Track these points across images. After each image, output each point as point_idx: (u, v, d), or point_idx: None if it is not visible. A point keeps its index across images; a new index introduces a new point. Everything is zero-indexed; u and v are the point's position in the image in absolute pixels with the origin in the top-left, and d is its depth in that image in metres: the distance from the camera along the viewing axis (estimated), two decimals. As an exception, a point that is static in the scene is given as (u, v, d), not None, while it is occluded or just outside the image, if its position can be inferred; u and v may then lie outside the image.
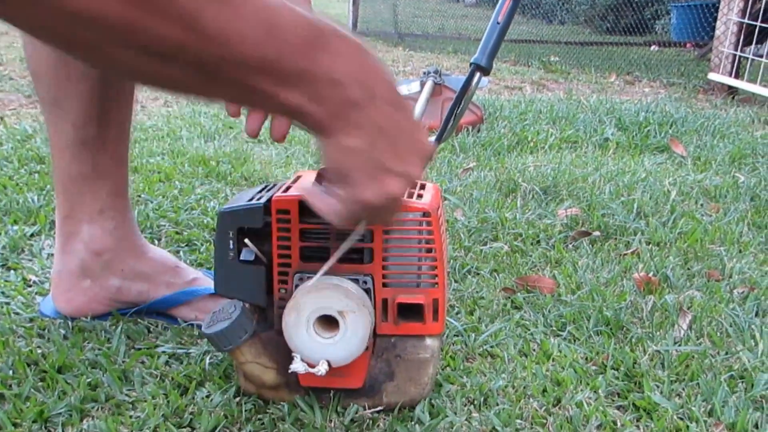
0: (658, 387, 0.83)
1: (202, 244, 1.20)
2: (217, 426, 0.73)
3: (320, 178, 0.67)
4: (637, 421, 0.78)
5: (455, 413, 0.77)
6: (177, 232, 1.24)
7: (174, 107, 2.41)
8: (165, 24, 0.41)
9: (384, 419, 0.76)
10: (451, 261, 1.17)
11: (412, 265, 0.73)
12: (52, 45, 0.44)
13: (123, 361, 0.84)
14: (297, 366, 0.69)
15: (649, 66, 4.05)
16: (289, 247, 0.72)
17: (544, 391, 0.82)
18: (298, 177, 0.80)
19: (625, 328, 0.97)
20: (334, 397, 0.76)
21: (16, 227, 1.21)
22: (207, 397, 0.78)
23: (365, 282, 0.72)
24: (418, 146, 0.57)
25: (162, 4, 0.41)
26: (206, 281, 0.96)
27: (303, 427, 0.74)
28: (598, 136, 2.13)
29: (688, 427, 0.76)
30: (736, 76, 3.11)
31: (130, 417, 0.75)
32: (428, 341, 0.75)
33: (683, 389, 0.83)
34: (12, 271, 1.07)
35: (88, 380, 0.79)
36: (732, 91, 3.12)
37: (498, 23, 0.87)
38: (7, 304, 0.96)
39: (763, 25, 2.99)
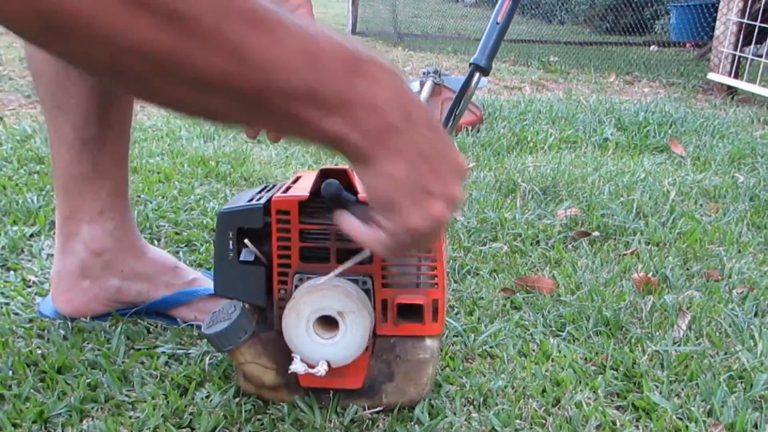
0: (657, 387, 0.83)
1: (201, 245, 1.20)
2: (217, 426, 0.73)
3: (346, 203, 0.63)
4: (637, 421, 0.78)
5: (455, 413, 0.77)
6: (176, 233, 1.24)
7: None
8: (212, 55, 0.41)
9: (383, 419, 0.76)
10: (451, 261, 1.17)
11: (412, 265, 0.73)
12: (97, 76, 0.44)
13: (123, 362, 0.84)
14: (297, 366, 0.69)
15: (649, 66, 4.05)
16: (288, 248, 0.72)
17: (544, 391, 0.82)
18: (298, 177, 0.80)
19: (624, 329, 0.97)
20: (333, 397, 0.76)
21: (15, 228, 1.21)
22: (207, 397, 0.78)
23: (365, 282, 0.72)
24: (455, 165, 0.56)
25: (210, 36, 0.41)
26: (206, 282, 0.96)
27: (302, 427, 0.74)
28: (598, 136, 2.13)
29: (687, 427, 0.76)
30: (736, 76, 3.11)
31: (130, 417, 0.75)
32: (428, 342, 0.75)
33: (682, 389, 0.83)
34: (11, 272, 1.07)
35: (88, 381, 0.79)
36: (731, 91, 3.13)
37: (497, 23, 0.88)
38: (7, 304, 0.96)
39: (763, 25, 3.00)
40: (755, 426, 0.77)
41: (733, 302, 1.05)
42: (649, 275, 1.13)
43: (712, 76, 3.20)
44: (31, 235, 1.20)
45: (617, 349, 0.91)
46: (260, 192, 0.76)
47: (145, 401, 0.77)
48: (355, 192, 0.65)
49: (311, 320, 0.68)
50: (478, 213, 1.39)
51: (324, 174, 0.68)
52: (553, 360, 0.89)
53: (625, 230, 1.33)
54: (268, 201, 0.72)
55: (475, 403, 0.79)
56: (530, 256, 1.21)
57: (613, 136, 2.12)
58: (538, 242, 1.28)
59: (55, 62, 0.82)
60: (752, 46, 3.25)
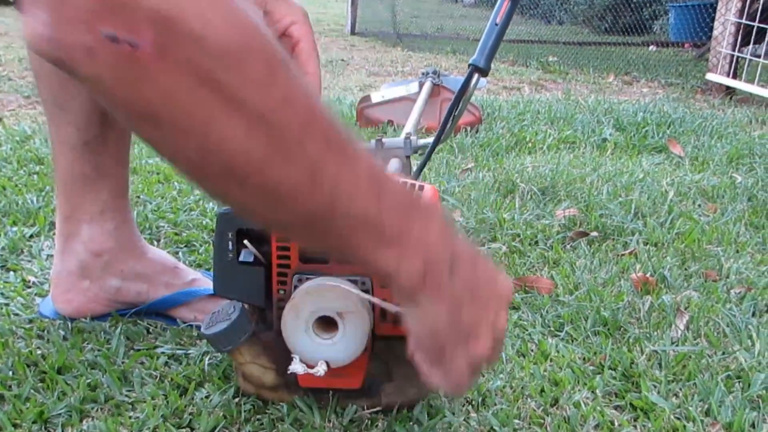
0: (655, 387, 0.83)
1: (201, 245, 1.20)
2: (217, 426, 0.73)
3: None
4: (635, 420, 0.78)
5: (453, 413, 0.77)
6: (176, 233, 1.24)
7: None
8: (290, 168, 0.42)
9: (383, 419, 0.76)
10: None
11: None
12: (179, 167, 0.43)
13: (122, 362, 0.84)
14: (296, 367, 0.69)
15: (647, 66, 4.05)
16: (288, 248, 0.72)
17: (542, 391, 0.82)
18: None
19: (622, 329, 0.97)
20: (332, 397, 0.77)
21: (15, 228, 1.22)
22: (206, 397, 0.78)
23: (364, 283, 0.72)
24: (501, 293, 0.57)
25: (292, 149, 0.41)
26: (205, 282, 0.96)
27: (302, 427, 0.74)
28: (596, 136, 2.13)
29: (685, 426, 0.76)
30: (734, 77, 3.12)
31: (130, 418, 0.75)
32: (427, 342, 0.75)
33: (680, 389, 0.83)
34: (11, 273, 1.07)
35: (88, 381, 0.79)
36: (730, 91, 3.13)
37: (496, 24, 0.88)
38: (7, 305, 0.96)
39: (761, 25, 3.00)
40: (753, 425, 0.77)
41: (731, 302, 1.05)
42: (648, 275, 1.13)
43: (710, 76, 3.21)
44: (31, 236, 1.20)
45: (615, 349, 0.91)
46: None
47: (145, 401, 0.77)
48: None
49: (310, 321, 0.68)
50: (476, 213, 1.39)
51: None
52: (551, 360, 0.89)
53: (623, 230, 1.34)
54: (268, 202, 0.72)
55: (473, 403, 0.80)
56: (529, 257, 1.21)
57: (611, 137, 2.12)
58: (536, 242, 1.28)
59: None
60: (750, 46, 3.25)
